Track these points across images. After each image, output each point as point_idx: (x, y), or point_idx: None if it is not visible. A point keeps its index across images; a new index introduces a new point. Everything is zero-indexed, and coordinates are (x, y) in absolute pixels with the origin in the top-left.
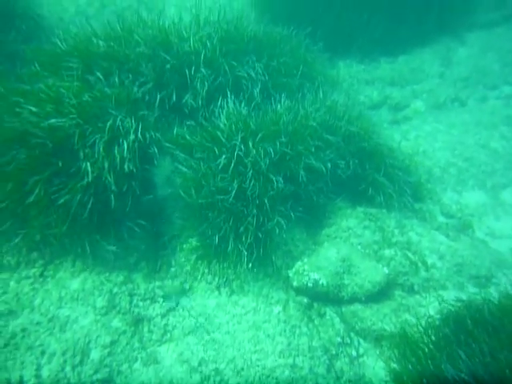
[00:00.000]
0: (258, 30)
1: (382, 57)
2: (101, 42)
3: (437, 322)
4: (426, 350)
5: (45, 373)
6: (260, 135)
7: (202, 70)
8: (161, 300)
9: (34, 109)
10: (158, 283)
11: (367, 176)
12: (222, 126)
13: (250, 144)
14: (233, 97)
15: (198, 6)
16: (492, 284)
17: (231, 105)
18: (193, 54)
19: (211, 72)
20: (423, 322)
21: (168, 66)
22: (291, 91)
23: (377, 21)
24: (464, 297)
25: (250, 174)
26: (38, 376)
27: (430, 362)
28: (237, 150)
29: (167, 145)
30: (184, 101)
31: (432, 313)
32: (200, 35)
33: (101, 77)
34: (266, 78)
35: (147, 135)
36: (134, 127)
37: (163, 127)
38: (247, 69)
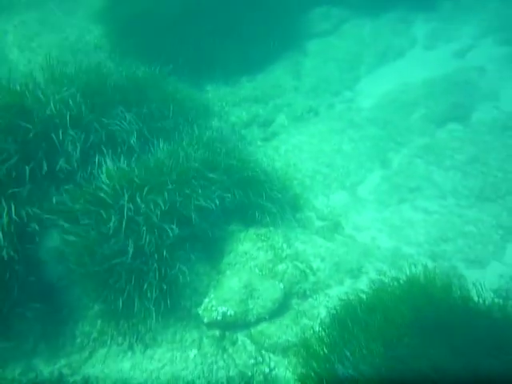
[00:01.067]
0: (121, 77)
1: (244, 76)
2: None
3: (327, 323)
4: (322, 353)
5: None
6: (147, 188)
7: (71, 131)
8: (70, 379)
9: None
10: (63, 361)
11: (252, 202)
12: (104, 187)
13: (139, 200)
14: (110, 151)
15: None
16: (362, 273)
17: (110, 163)
18: (56, 117)
19: (81, 131)
20: (317, 325)
21: (31, 134)
22: (168, 133)
23: (233, 45)
24: (345, 291)
25: (143, 229)
26: None
27: (326, 363)
28: (126, 210)
29: (48, 216)
30: (58, 167)
31: (323, 313)
32: (60, 96)
33: None
34: (140, 125)
35: (23, 213)
36: (6, 209)
37: (39, 199)
38: (119, 121)
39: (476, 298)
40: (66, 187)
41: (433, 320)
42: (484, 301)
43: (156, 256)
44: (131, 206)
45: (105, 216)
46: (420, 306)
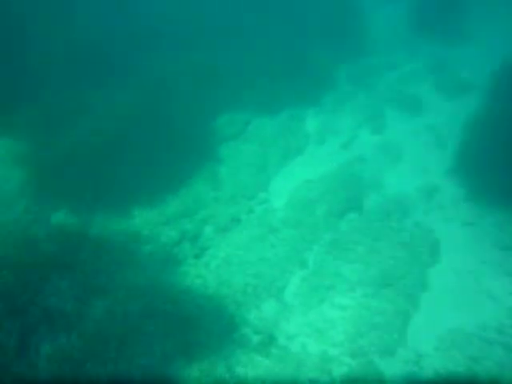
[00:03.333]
0: (49, 239)
1: (168, 194)
2: None
3: None
4: None
5: None
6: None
7: (6, 323)
8: None
9: None
10: None
11: (191, 340)
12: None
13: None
14: (48, 328)
15: None
16: None
17: (48, 346)
18: None
19: (16, 317)
20: None
21: None
22: (103, 288)
23: (154, 167)
24: None
25: None
26: None
27: None
28: None
29: None
30: None
31: None
32: None
33: None
34: (75, 289)
35: None
36: None
37: None
38: (54, 292)
39: None
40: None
41: None
42: None
43: None
44: None
45: None
46: None
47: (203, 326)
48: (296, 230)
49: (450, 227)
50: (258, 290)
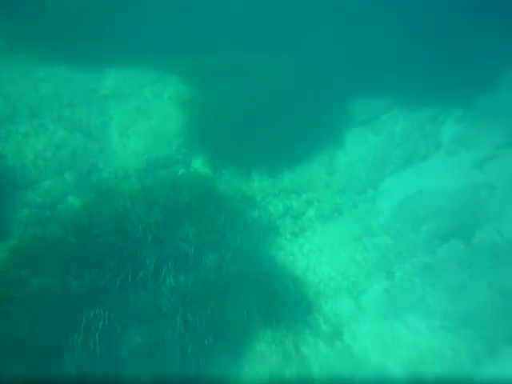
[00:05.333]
0: (191, 192)
1: (286, 168)
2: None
3: None
4: None
5: None
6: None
7: (150, 250)
8: None
9: None
10: None
11: (273, 311)
12: (165, 300)
13: (189, 315)
14: (174, 263)
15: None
16: None
17: (172, 279)
18: (142, 239)
19: (156, 248)
20: None
21: (125, 253)
22: (217, 243)
23: (280, 140)
24: None
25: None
26: None
27: None
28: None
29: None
30: (138, 278)
31: None
32: (147, 222)
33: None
34: (198, 239)
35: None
36: (102, 316)
37: (122, 304)
38: (184, 236)
39: None
40: (140, 293)
41: None
42: None
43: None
44: (182, 321)
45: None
46: None
47: (284, 303)
48: (394, 240)
49: None
50: (339, 286)
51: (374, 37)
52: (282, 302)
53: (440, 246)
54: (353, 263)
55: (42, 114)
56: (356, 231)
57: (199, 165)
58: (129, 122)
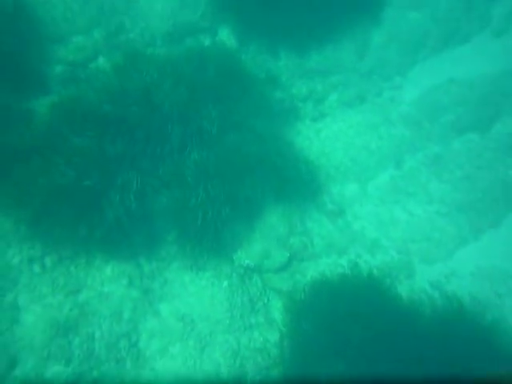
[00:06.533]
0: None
1: (315, 47)
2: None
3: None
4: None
5: None
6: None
7: (176, 126)
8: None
9: None
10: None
11: (287, 188)
12: (189, 172)
13: (209, 187)
14: (198, 140)
15: None
16: (345, 253)
17: (195, 154)
18: (169, 115)
19: (182, 126)
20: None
21: (154, 127)
22: (240, 124)
23: (312, 16)
24: (329, 262)
25: (209, 207)
26: None
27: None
28: (200, 194)
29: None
30: (165, 150)
31: (311, 273)
32: (173, 98)
33: None
34: (221, 120)
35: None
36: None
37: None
38: (207, 114)
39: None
40: (168, 163)
41: None
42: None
43: (213, 225)
44: (203, 192)
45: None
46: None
47: (296, 184)
48: (410, 131)
49: None
50: (349, 171)
51: None
52: (294, 183)
53: (455, 138)
54: (366, 151)
55: None
56: (375, 120)
57: (225, 36)
58: None
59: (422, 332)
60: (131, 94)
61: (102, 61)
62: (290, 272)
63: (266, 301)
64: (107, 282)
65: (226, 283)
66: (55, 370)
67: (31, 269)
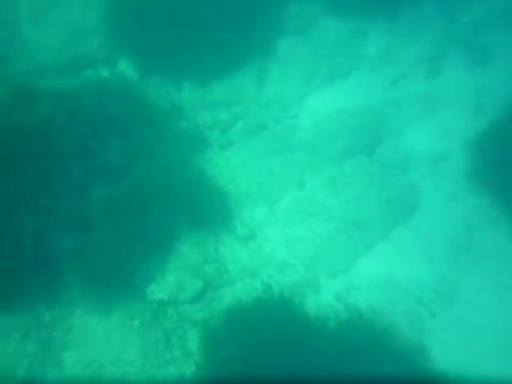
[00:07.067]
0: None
1: (217, 78)
2: None
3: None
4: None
5: None
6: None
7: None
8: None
9: None
10: None
11: (196, 217)
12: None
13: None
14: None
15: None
16: (258, 276)
17: (99, 190)
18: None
19: (84, 160)
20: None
21: (52, 160)
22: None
23: (211, 48)
24: (243, 286)
25: None
26: None
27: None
28: None
29: None
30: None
31: (227, 300)
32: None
33: None
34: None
35: None
36: None
37: None
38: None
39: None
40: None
41: None
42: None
43: (122, 261)
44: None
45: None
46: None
47: (208, 211)
48: (308, 155)
49: (436, 196)
50: (257, 196)
51: None
52: (206, 210)
53: (347, 161)
54: (271, 176)
55: None
56: (277, 146)
57: (125, 67)
58: (41, 10)
59: (326, 345)
60: (23, 130)
61: None
62: (206, 301)
63: (181, 333)
64: None
65: (137, 321)
66: None
67: None
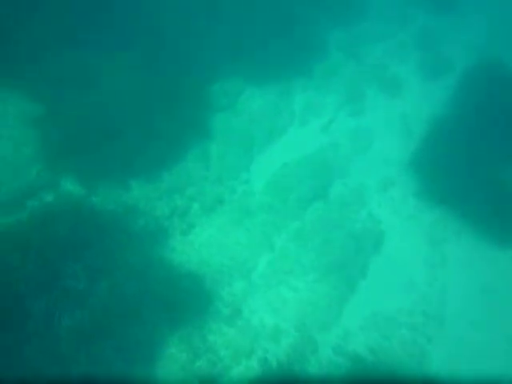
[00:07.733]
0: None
1: (163, 169)
2: None
3: None
4: None
5: None
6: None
7: (36, 296)
8: None
9: None
10: None
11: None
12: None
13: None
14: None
15: None
16: (253, 353)
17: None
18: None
19: (44, 294)
20: None
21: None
22: (107, 268)
23: (147, 144)
24: (241, 370)
25: None
26: None
27: None
28: None
29: None
30: (28, 330)
31: None
32: (25, 271)
33: None
34: (86, 271)
35: None
36: None
37: None
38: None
39: None
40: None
41: None
42: None
43: None
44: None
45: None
46: None
47: (186, 303)
48: (269, 215)
49: (395, 220)
50: (231, 270)
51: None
52: (183, 303)
53: (306, 210)
54: (239, 246)
55: None
56: (237, 216)
57: (69, 185)
58: None
59: None
60: None
61: None
62: None
63: None
64: None
65: None
66: None
67: None
